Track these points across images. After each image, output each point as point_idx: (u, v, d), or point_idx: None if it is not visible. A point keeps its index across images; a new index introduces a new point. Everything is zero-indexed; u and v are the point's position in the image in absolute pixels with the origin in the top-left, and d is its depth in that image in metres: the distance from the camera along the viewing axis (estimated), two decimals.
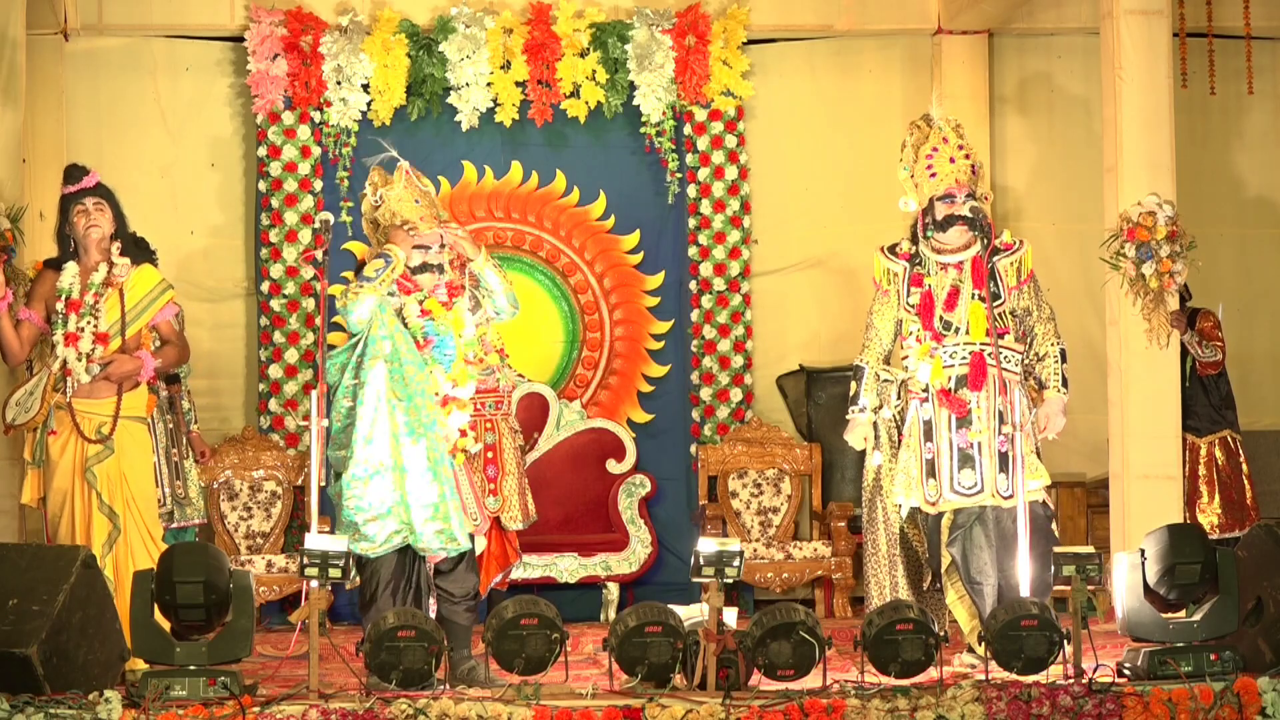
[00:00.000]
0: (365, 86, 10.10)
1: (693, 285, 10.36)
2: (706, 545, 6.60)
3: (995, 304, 7.52)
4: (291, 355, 10.02)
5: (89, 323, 7.34)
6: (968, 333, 7.52)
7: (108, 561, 7.19)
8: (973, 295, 7.54)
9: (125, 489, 7.37)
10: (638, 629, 6.52)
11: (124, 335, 7.40)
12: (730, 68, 10.33)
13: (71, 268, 7.40)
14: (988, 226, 7.61)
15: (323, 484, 7.20)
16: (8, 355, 7.45)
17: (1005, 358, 7.51)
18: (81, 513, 7.32)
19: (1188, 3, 9.68)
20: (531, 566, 9.53)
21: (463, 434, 7.34)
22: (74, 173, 7.52)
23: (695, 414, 10.32)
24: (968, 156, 7.63)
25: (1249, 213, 11.02)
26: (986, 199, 7.74)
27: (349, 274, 7.53)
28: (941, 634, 6.60)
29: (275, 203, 10.09)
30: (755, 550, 9.72)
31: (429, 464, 7.14)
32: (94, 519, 7.31)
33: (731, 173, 10.37)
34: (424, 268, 7.34)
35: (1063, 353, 7.60)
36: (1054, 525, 7.61)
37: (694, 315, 10.35)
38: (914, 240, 7.70)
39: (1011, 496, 7.41)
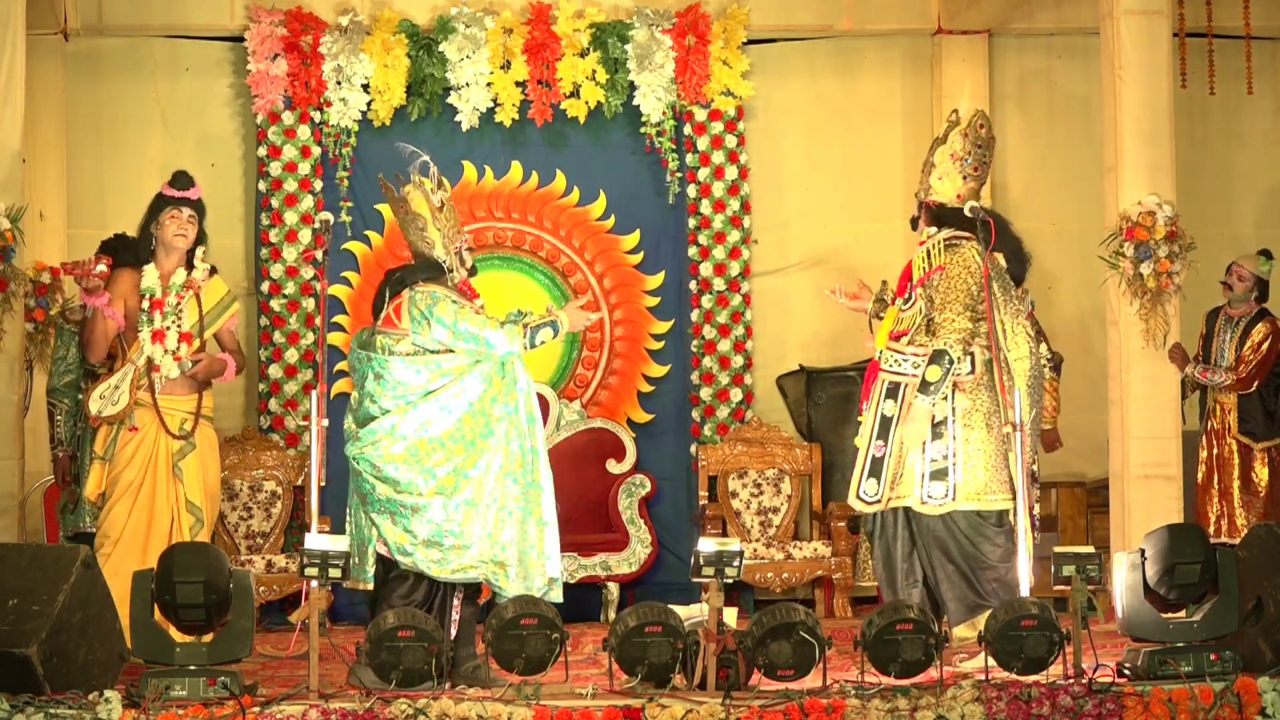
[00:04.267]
0: (365, 86, 10.10)
1: (693, 285, 10.37)
2: (706, 545, 6.60)
3: (905, 307, 7.52)
4: (291, 355, 10.02)
5: (174, 322, 7.54)
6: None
7: None
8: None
9: (203, 484, 7.58)
10: (638, 629, 6.52)
11: (202, 337, 7.63)
12: (730, 68, 10.34)
13: (153, 270, 7.62)
14: (925, 224, 7.57)
15: (323, 484, 7.18)
16: (93, 351, 7.66)
17: (886, 359, 7.47)
18: (167, 507, 7.50)
19: (1188, 3, 9.68)
20: None
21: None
22: (181, 179, 7.75)
23: (695, 414, 10.32)
24: (925, 159, 7.68)
25: (1249, 213, 11.03)
26: (924, 199, 7.66)
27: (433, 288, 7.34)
28: (942, 634, 6.61)
29: (275, 203, 10.10)
30: (755, 550, 9.72)
31: (515, 503, 7.19)
32: (181, 515, 7.50)
33: (731, 173, 10.37)
34: (474, 269, 7.47)
35: (938, 353, 7.30)
36: (970, 544, 7.36)
37: (694, 315, 10.35)
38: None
39: (876, 503, 7.42)
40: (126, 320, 7.53)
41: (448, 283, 7.26)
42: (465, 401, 7.10)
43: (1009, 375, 7.40)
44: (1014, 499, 7.34)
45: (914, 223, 7.68)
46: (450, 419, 7.09)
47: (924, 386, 7.31)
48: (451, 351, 7.14)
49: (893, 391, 7.44)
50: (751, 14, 10.42)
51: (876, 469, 7.43)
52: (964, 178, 7.62)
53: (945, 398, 7.36)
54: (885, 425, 7.44)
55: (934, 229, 7.57)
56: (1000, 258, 7.54)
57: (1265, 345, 9.29)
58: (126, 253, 7.71)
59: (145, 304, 7.55)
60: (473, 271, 7.40)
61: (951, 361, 7.32)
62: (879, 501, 7.45)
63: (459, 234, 7.34)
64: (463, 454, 7.08)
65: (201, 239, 7.77)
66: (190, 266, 7.67)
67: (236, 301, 7.88)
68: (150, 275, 7.59)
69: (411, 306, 7.14)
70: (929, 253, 7.48)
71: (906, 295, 7.53)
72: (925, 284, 7.45)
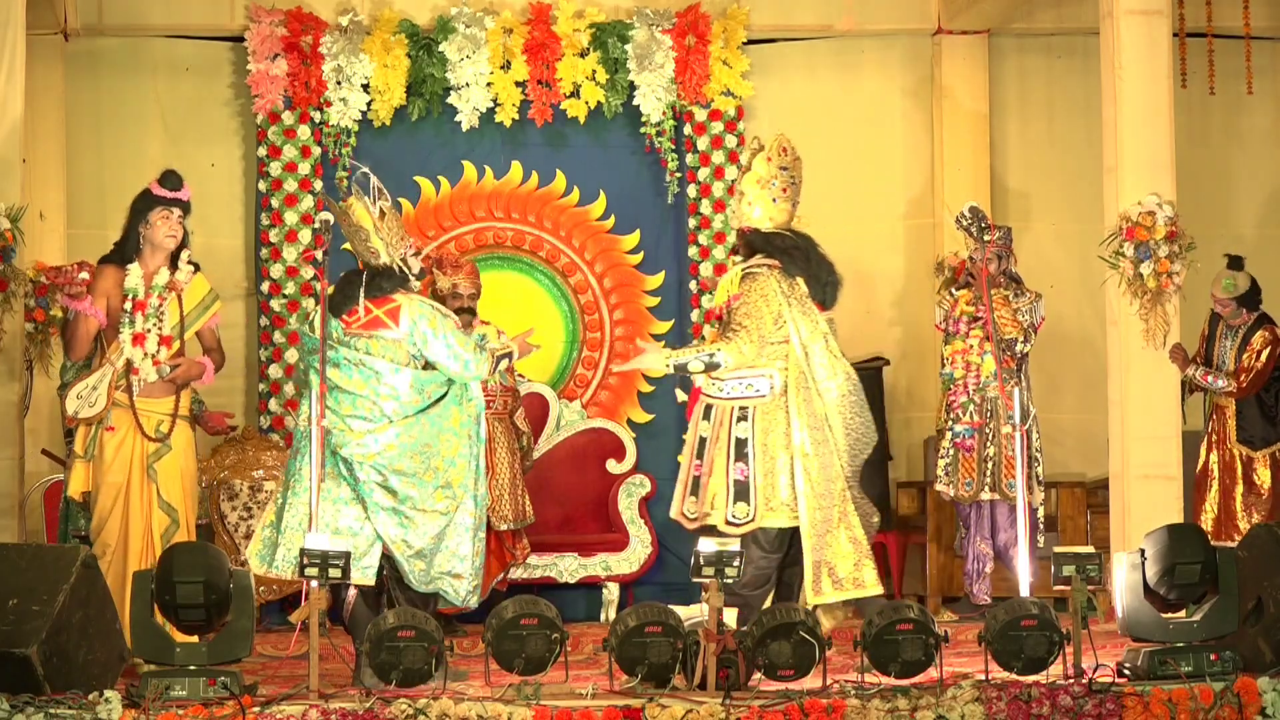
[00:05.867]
0: (365, 86, 10.11)
1: (693, 285, 10.36)
2: (706, 545, 6.60)
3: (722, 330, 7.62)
4: (291, 355, 10.02)
5: (154, 324, 7.51)
6: None
7: None
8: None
9: (181, 485, 7.53)
10: (638, 629, 6.52)
11: (182, 338, 7.58)
12: (730, 68, 10.33)
13: (137, 269, 7.55)
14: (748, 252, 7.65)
15: (322, 483, 7.22)
16: (75, 350, 7.65)
17: (709, 382, 7.54)
18: (140, 508, 7.47)
19: (1188, 3, 9.67)
20: (531, 566, 9.52)
21: None
22: (171, 179, 7.67)
23: None
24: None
25: (1249, 213, 11.02)
26: (738, 226, 7.76)
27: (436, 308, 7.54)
28: (942, 634, 6.61)
29: (275, 203, 10.10)
30: None
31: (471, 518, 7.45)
32: (154, 515, 7.47)
33: (731, 173, 10.35)
34: (423, 273, 7.61)
35: (711, 355, 7.38)
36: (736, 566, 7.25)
37: (694, 315, 10.34)
38: None
39: (695, 520, 7.51)
40: (108, 318, 7.50)
41: (413, 291, 7.48)
42: (447, 420, 7.36)
43: (818, 397, 7.48)
44: (798, 518, 7.39)
45: (734, 250, 7.79)
46: (437, 436, 7.34)
47: (676, 364, 7.47)
48: (433, 368, 7.38)
49: (707, 413, 7.56)
50: (751, 14, 10.41)
51: (696, 487, 7.55)
52: (774, 200, 7.68)
53: (747, 419, 7.45)
54: (702, 445, 7.55)
55: (739, 257, 7.68)
56: (801, 283, 7.59)
57: (1265, 353, 9.29)
58: (115, 252, 7.66)
59: (128, 304, 7.50)
60: (419, 276, 7.54)
61: (715, 367, 7.41)
62: (695, 520, 7.53)
63: (401, 242, 7.48)
64: (443, 470, 7.32)
65: (185, 240, 7.72)
66: (174, 266, 7.60)
67: (219, 300, 7.80)
68: (134, 275, 7.53)
69: (408, 314, 7.33)
70: (729, 280, 7.61)
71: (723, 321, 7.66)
72: (725, 312, 7.59)
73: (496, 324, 8.96)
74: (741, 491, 7.39)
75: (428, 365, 7.37)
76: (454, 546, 7.30)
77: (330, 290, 7.46)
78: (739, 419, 7.44)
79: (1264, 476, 9.34)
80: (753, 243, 7.65)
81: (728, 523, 7.38)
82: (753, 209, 7.66)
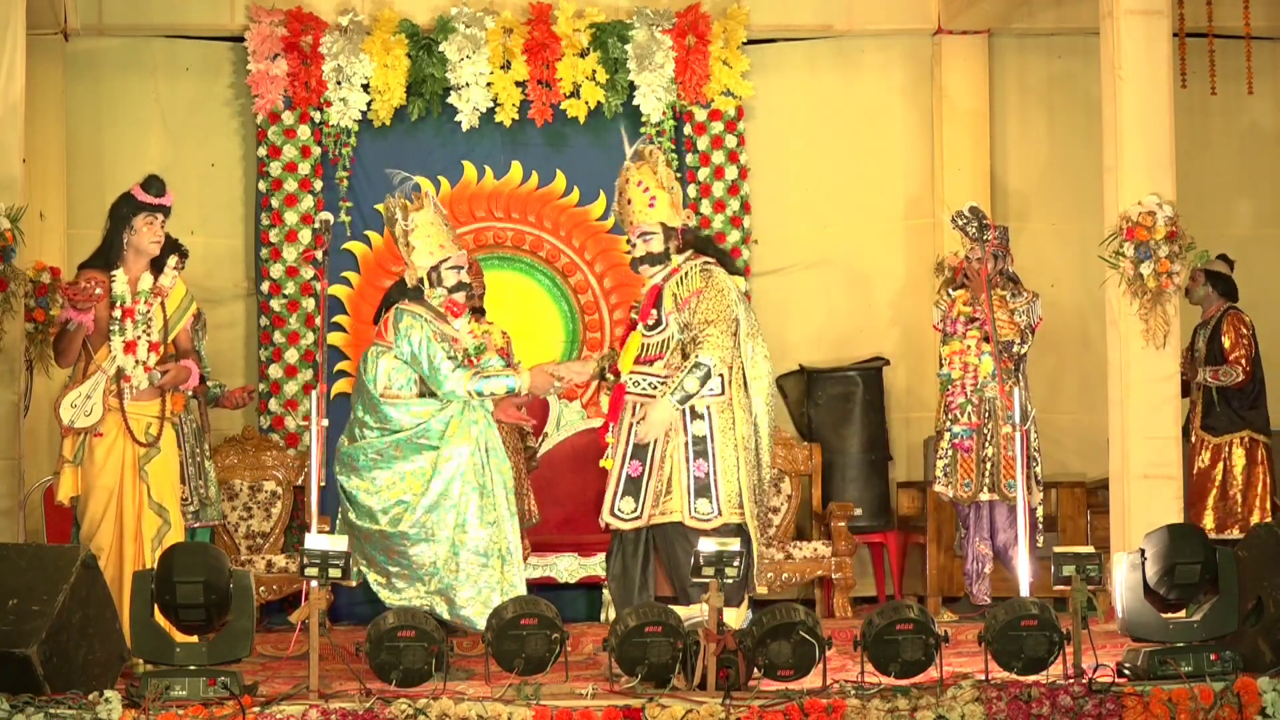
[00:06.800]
0: (365, 86, 10.11)
1: None
2: (706, 545, 6.60)
3: (651, 332, 7.53)
4: (291, 355, 10.02)
5: (144, 331, 7.52)
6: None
7: (157, 556, 7.26)
8: (636, 325, 7.65)
9: (170, 485, 7.57)
10: (638, 629, 6.52)
11: (166, 342, 7.61)
12: (730, 68, 10.34)
13: (122, 276, 7.55)
14: (666, 253, 7.54)
15: (322, 484, 7.35)
16: (67, 359, 7.63)
17: (636, 383, 7.51)
18: (133, 511, 7.49)
19: (1188, 3, 9.68)
20: (531, 566, 9.50)
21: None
22: (155, 184, 7.63)
23: None
24: (646, 191, 7.59)
25: (1249, 213, 11.02)
26: (680, 226, 7.62)
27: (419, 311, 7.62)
28: (942, 634, 6.61)
29: (275, 203, 10.10)
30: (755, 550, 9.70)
31: (475, 540, 7.54)
32: (144, 516, 7.48)
33: (731, 173, 10.37)
34: (459, 286, 7.70)
35: (699, 365, 7.31)
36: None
37: None
38: None
39: (636, 519, 7.43)
40: (95, 325, 7.49)
41: (428, 301, 7.63)
42: (430, 442, 7.49)
43: (746, 394, 7.48)
44: (743, 516, 7.42)
45: (650, 259, 7.55)
46: (415, 457, 7.49)
47: (681, 396, 7.36)
48: (432, 396, 7.54)
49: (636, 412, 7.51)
50: (751, 14, 10.42)
51: (633, 487, 7.46)
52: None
53: (703, 416, 7.42)
54: (640, 445, 7.47)
55: (681, 256, 7.58)
56: (741, 281, 7.59)
57: (1247, 334, 9.51)
58: (99, 257, 7.64)
59: (117, 312, 7.49)
60: (455, 289, 7.59)
61: (709, 375, 7.37)
62: (638, 518, 7.45)
63: (432, 255, 7.64)
64: (420, 490, 7.46)
65: (175, 245, 7.74)
66: (158, 271, 7.60)
67: (195, 302, 7.83)
68: (121, 281, 7.52)
69: (396, 323, 7.57)
70: (684, 276, 7.51)
71: (653, 321, 7.54)
72: (684, 309, 7.47)
73: (500, 325, 8.95)
74: (702, 488, 7.38)
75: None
76: (441, 566, 7.39)
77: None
78: (694, 417, 7.42)
79: (1205, 459, 9.59)
80: (694, 243, 7.64)
81: (693, 518, 7.37)
82: (681, 208, 7.64)
